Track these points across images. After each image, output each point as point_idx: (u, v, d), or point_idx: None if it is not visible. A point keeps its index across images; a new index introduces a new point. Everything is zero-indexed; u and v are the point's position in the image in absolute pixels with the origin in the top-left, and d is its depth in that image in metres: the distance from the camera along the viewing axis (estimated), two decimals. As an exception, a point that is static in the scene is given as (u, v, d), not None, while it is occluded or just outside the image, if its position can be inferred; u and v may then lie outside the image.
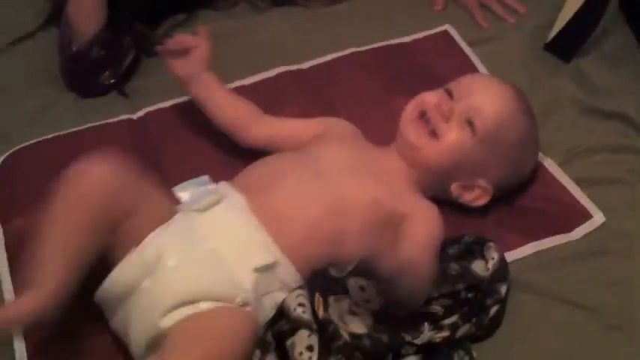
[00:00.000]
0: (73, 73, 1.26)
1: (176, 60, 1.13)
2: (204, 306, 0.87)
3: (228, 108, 1.12)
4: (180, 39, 1.15)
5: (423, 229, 0.95)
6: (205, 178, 1.04)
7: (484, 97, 1.03)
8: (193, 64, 1.12)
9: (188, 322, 0.86)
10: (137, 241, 0.91)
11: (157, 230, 0.93)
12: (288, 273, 0.93)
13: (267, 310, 0.92)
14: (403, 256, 0.86)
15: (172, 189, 1.02)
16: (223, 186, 1.00)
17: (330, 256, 0.93)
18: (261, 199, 0.97)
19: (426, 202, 1.02)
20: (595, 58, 1.27)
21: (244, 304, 0.89)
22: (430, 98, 1.04)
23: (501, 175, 1.04)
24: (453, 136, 1.01)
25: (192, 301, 0.87)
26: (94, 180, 0.91)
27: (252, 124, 1.12)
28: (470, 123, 1.02)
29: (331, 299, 0.90)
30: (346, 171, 1.01)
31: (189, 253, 0.91)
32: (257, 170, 1.03)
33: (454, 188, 1.04)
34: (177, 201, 1.01)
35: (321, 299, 0.90)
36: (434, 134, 1.02)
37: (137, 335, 0.89)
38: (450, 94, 1.04)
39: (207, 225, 0.94)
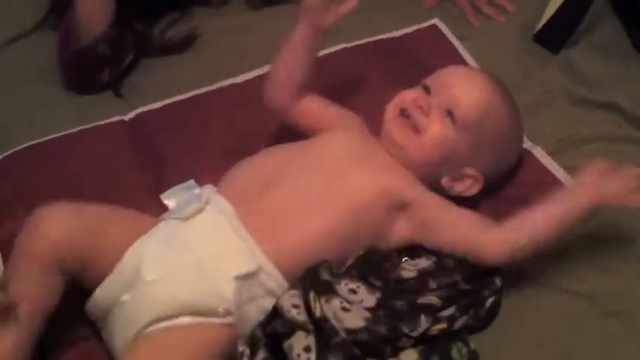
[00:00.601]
0: (75, 69, 1.26)
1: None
2: (183, 321, 0.88)
3: (300, 66, 1.09)
4: None
5: (448, 216, 0.99)
6: (191, 182, 1.04)
7: (460, 88, 1.03)
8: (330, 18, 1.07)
9: (161, 336, 0.87)
10: (117, 257, 0.92)
11: (136, 243, 0.92)
12: (274, 280, 0.93)
13: (253, 317, 0.92)
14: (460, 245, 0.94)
15: (160, 196, 1.03)
16: (209, 191, 1.00)
17: (330, 256, 0.95)
18: (255, 208, 0.96)
19: (429, 191, 1.03)
20: (584, 48, 1.27)
21: (226, 314, 0.89)
22: (408, 95, 1.05)
23: (488, 161, 1.05)
24: (435, 128, 1.02)
25: (171, 316, 0.88)
26: (46, 238, 0.90)
27: (300, 89, 1.09)
28: (449, 114, 1.02)
29: (323, 299, 0.90)
30: (350, 165, 1.01)
31: (168, 265, 0.91)
32: (249, 172, 1.02)
33: (445, 182, 1.05)
34: (165, 208, 1.01)
35: (317, 299, 0.90)
36: (417, 130, 1.03)
37: (118, 348, 0.89)
38: (427, 89, 1.05)
39: (190, 234, 0.93)
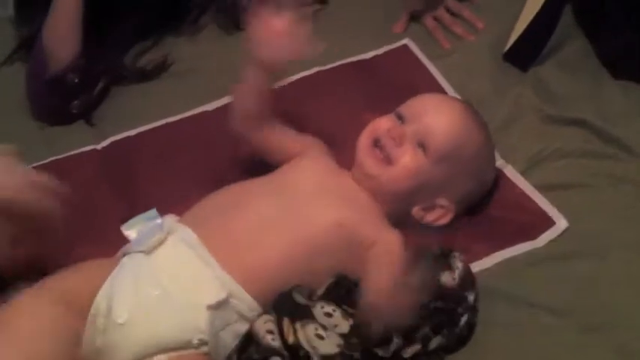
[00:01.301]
0: (45, 100, 1.26)
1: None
2: (160, 358, 0.87)
3: (253, 101, 1.09)
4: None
5: (385, 267, 0.95)
6: (153, 211, 1.03)
7: (433, 118, 1.04)
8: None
9: None
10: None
11: (104, 286, 0.91)
12: (245, 304, 0.93)
13: (228, 342, 0.91)
14: (372, 301, 0.90)
15: (121, 227, 1.02)
16: (170, 220, 0.99)
17: (298, 281, 0.94)
18: (217, 231, 0.96)
19: (389, 230, 1.02)
20: (552, 66, 1.28)
21: (201, 344, 0.89)
22: (381, 125, 1.05)
23: (462, 191, 1.06)
24: (407, 159, 1.02)
25: (147, 355, 0.87)
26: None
27: (263, 119, 1.10)
28: (422, 145, 1.03)
29: (297, 325, 0.90)
30: (312, 194, 1.01)
31: (138, 304, 0.90)
32: (214, 200, 1.02)
33: (415, 211, 1.05)
34: (125, 240, 0.99)
35: (290, 325, 0.90)
36: (389, 160, 1.03)
37: None
38: (400, 118, 1.06)
39: (155, 267, 0.93)
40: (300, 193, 1.01)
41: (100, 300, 0.90)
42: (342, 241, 0.98)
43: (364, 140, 1.06)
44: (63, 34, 1.23)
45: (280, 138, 1.10)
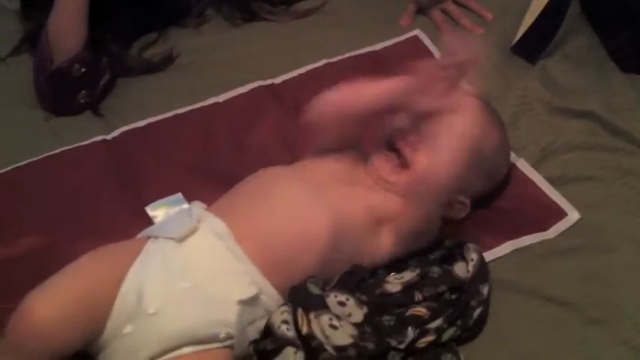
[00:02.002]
0: (51, 91, 1.25)
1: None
2: (186, 350, 0.86)
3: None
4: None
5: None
6: (179, 196, 1.01)
7: (449, 119, 0.99)
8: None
9: None
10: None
11: (132, 271, 0.89)
12: (273, 301, 0.92)
13: (252, 337, 0.91)
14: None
15: (145, 208, 1.00)
16: (199, 208, 0.97)
17: (319, 271, 0.94)
18: (246, 223, 0.94)
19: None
20: (560, 59, 1.29)
21: (227, 338, 0.88)
22: (395, 124, 1.03)
23: (477, 186, 1.06)
24: (424, 164, 1.00)
25: (175, 348, 0.86)
26: (40, 337, 0.84)
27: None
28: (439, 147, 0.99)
29: (312, 315, 0.90)
30: (338, 181, 1.01)
31: (169, 295, 0.88)
32: (240, 189, 1.01)
33: None
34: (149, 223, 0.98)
35: (304, 315, 0.89)
36: (404, 165, 1.02)
37: None
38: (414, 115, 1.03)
39: (186, 257, 0.91)
40: (325, 180, 1.00)
41: (128, 288, 0.88)
42: (370, 223, 0.98)
43: (379, 144, 1.04)
44: (68, 25, 1.22)
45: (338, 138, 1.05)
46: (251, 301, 0.90)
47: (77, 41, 1.22)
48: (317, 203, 0.96)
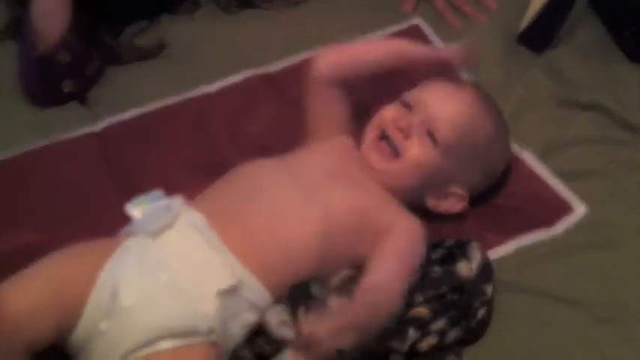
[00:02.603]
0: (35, 79, 1.21)
1: None
2: (163, 345, 0.85)
3: (364, 66, 1.08)
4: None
5: (400, 247, 0.94)
6: (158, 192, 0.99)
7: (442, 106, 1.01)
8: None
9: None
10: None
11: (107, 267, 0.88)
12: (256, 292, 0.90)
13: (236, 333, 0.89)
14: (374, 281, 0.88)
15: (124, 206, 0.98)
16: (178, 202, 0.96)
17: (312, 271, 0.92)
18: (228, 216, 0.93)
19: (408, 215, 1.00)
20: (566, 50, 1.26)
21: (209, 332, 0.86)
22: (387, 115, 1.03)
23: (474, 178, 1.04)
24: (415, 152, 1.00)
25: (153, 341, 0.84)
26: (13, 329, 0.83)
27: (342, 84, 1.07)
28: (431, 135, 1.00)
29: (312, 316, 0.88)
30: (328, 179, 0.99)
31: (145, 288, 0.87)
32: (225, 184, 1.00)
33: (429, 201, 1.04)
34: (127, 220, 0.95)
35: (304, 315, 0.88)
36: (396, 153, 1.01)
37: None
38: (408, 106, 1.03)
39: (162, 251, 0.90)
40: (314, 177, 0.99)
41: (103, 283, 0.87)
42: (358, 226, 0.96)
43: (370, 133, 1.04)
44: (50, 9, 1.18)
45: (338, 109, 1.07)
46: (230, 292, 0.88)
47: (62, 27, 1.18)
48: (307, 205, 0.95)
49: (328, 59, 1.06)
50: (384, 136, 1.02)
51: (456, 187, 1.02)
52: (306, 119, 1.08)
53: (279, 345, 0.87)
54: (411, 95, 1.04)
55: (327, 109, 1.07)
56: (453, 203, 1.04)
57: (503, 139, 1.07)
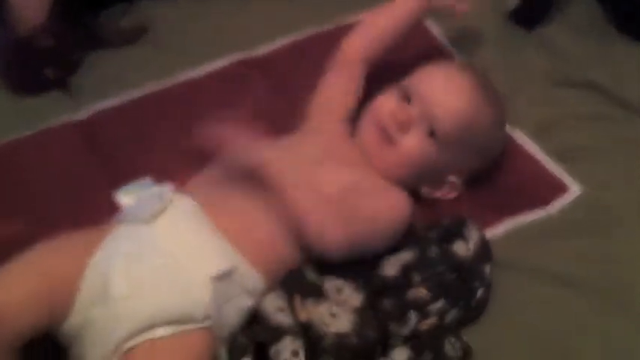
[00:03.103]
0: (14, 64, 1.17)
1: None
2: (158, 333, 0.83)
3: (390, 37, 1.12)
4: None
5: (385, 204, 0.96)
6: (148, 180, 0.97)
7: (442, 99, 1.00)
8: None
9: (141, 352, 0.82)
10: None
11: (99, 254, 0.87)
12: (250, 277, 0.89)
13: (231, 317, 0.88)
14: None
15: (113, 194, 0.96)
16: (169, 189, 0.94)
17: (304, 256, 0.92)
18: (220, 201, 0.92)
19: (397, 189, 1.00)
20: (559, 27, 1.26)
21: (204, 318, 0.85)
22: (385, 108, 1.01)
23: (470, 166, 1.04)
24: (411, 144, 0.99)
25: (148, 328, 0.83)
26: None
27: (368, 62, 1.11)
28: (430, 129, 0.99)
29: (309, 302, 0.88)
30: (320, 161, 0.98)
31: (138, 275, 0.85)
32: (216, 170, 0.98)
33: (424, 189, 1.04)
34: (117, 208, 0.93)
35: (301, 303, 0.88)
36: (392, 142, 1.00)
37: None
38: (406, 95, 1.01)
39: (155, 237, 0.88)
40: (307, 159, 0.98)
41: (94, 271, 0.86)
42: (351, 206, 0.95)
43: (368, 125, 1.03)
44: None
45: (356, 86, 1.09)
46: (224, 277, 0.87)
47: (41, 10, 1.14)
48: (295, 189, 0.93)
49: (357, 44, 1.09)
50: (381, 128, 1.01)
51: (453, 177, 1.03)
52: (317, 94, 1.08)
53: (276, 332, 0.86)
54: (409, 85, 1.02)
55: (346, 86, 1.08)
56: (447, 191, 1.04)
57: (501, 124, 1.07)
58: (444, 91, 1.01)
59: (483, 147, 1.03)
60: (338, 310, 0.88)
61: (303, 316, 0.87)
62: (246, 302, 0.89)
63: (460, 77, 1.03)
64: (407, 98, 1.01)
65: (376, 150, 1.01)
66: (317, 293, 0.89)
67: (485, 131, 1.02)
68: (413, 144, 0.99)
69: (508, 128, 1.11)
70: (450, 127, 0.99)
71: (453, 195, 1.04)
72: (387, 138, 1.00)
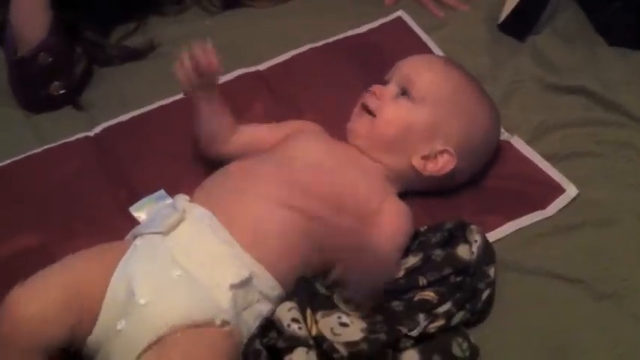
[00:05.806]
0: (19, 83, 1.19)
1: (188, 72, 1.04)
2: (180, 336, 0.85)
3: (218, 122, 1.08)
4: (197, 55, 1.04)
5: (389, 228, 0.98)
6: (162, 192, 1.00)
7: (412, 66, 1.07)
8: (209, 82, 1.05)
9: (166, 353, 0.84)
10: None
11: (118, 268, 0.89)
12: (267, 284, 0.92)
13: (250, 323, 0.90)
14: (369, 256, 0.90)
15: (129, 209, 0.98)
16: (182, 200, 0.96)
17: (313, 260, 0.94)
18: (232, 209, 0.94)
19: (395, 198, 1.03)
20: (548, 35, 1.29)
21: (224, 324, 0.87)
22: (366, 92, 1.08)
23: (456, 131, 1.04)
24: (389, 107, 1.05)
25: (168, 334, 0.85)
26: (26, 329, 0.83)
27: (230, 135, 1.08)
28: (404, 91, 1.05)
29: (319, 315, 0.89)
30: (318, 168, 1.01)
31: (159, 284, 0.87)
32: (223, 178, 1.00)
33: (415, 162, 1.04)
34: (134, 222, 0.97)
35: (312, 316, 0.88)
36: (372, 114, 1.06)
37: None
38: (384, 82, 1.08)
39: (175, 247, 0.90)
40: (304, 166, 1.01)
41: (117, 283, 0.88)
42: (352, 208, 0.98)
43: (354, 114, 1.08)
44: (28, 12, 1.16)
45: (253, 135, 1.09)
46: (243, 285, 0.90)
47: (40, 29, 1.16)
48: (293, 193, 0.96)
49: (202, 146, 1.08)
50: (363, 107, 1.07)
51: (440, 144, 1.03)
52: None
53: (291, 342, 0.86)
54: (387, 74, 1.09)
55: (247, 142, 1.09)
56: (441, 164, 1.04)
57: (480, 96, 1.08)
58: (415, 61, 1.09)
59: (464, 111, 1.05)
60: (347, 319, 0.90)
61: (313, 330, 0.87)
62: (264, 307, 0.91)
63: (428, 54, 1.11)
64: (385, 83, 1.07)
65: (362, 127, 1.05)
66: (327, 306, 0.90)
67: (457, 88, 1.06)
68: (391, 107, 1.04)
69: (505, 135, 1.14)
70: (421, 84, 1.04)
71: (447, 168, 1.03)
72: (369, 112, 1.05)
